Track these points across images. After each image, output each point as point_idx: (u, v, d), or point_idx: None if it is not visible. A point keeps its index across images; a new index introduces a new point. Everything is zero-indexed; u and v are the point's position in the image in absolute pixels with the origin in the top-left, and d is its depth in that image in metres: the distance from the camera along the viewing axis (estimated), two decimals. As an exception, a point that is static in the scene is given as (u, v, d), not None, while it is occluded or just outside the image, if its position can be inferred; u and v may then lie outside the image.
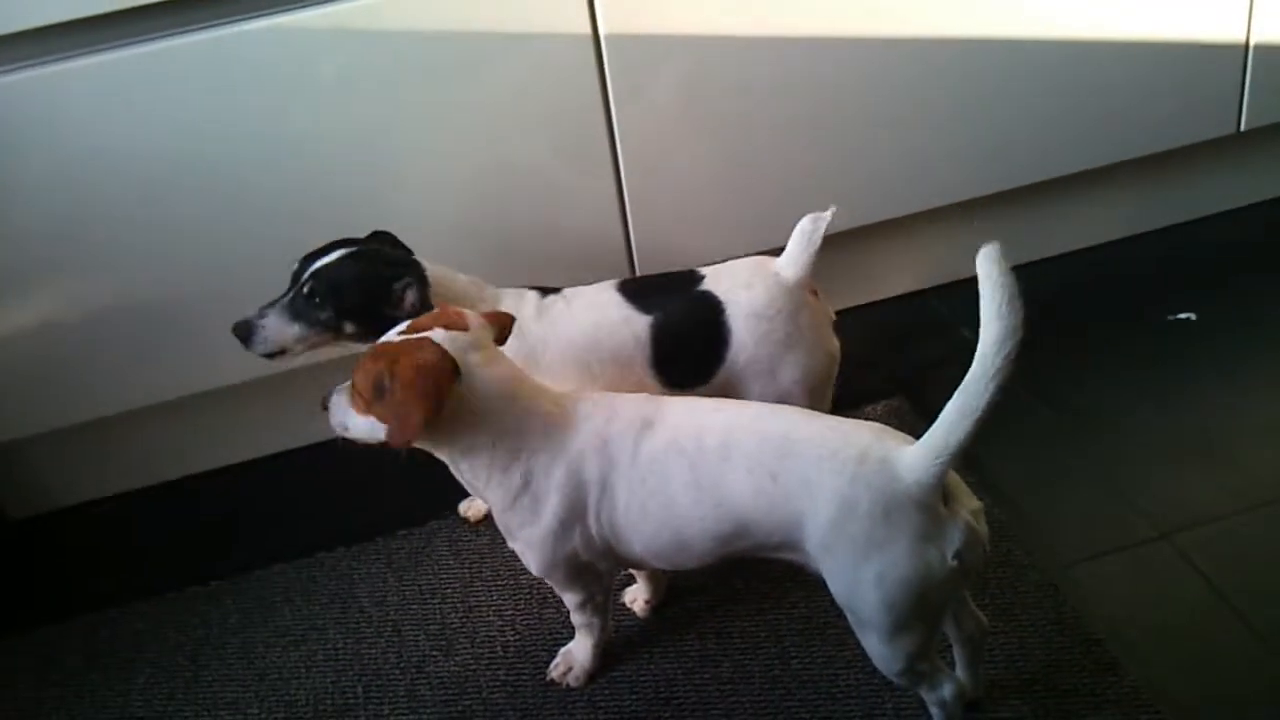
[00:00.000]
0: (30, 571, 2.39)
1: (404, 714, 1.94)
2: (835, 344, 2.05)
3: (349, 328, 1.95)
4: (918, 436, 2.34)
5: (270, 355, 1.96)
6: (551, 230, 2.43)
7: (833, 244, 2.58)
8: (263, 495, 2.46)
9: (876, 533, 1.54)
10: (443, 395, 1.60)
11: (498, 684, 1.97)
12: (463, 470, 1.73)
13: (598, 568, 1.80)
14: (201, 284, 2.28)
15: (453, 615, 2.11)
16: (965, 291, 2.87)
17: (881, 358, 2.61)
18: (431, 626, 2.09)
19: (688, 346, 1.98)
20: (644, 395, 1.77)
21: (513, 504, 1.73)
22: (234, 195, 2.24)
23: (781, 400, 1.98)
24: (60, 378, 2.31)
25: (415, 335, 1.65)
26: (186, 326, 2.30)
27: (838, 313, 2.73)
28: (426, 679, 2.00)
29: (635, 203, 2.43)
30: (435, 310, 1.73)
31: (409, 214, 2.30)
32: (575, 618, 1.91)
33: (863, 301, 2.77)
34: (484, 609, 2.11)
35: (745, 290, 1.97)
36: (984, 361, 1.50)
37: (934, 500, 1.55)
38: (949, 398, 2.40)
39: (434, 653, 2.04)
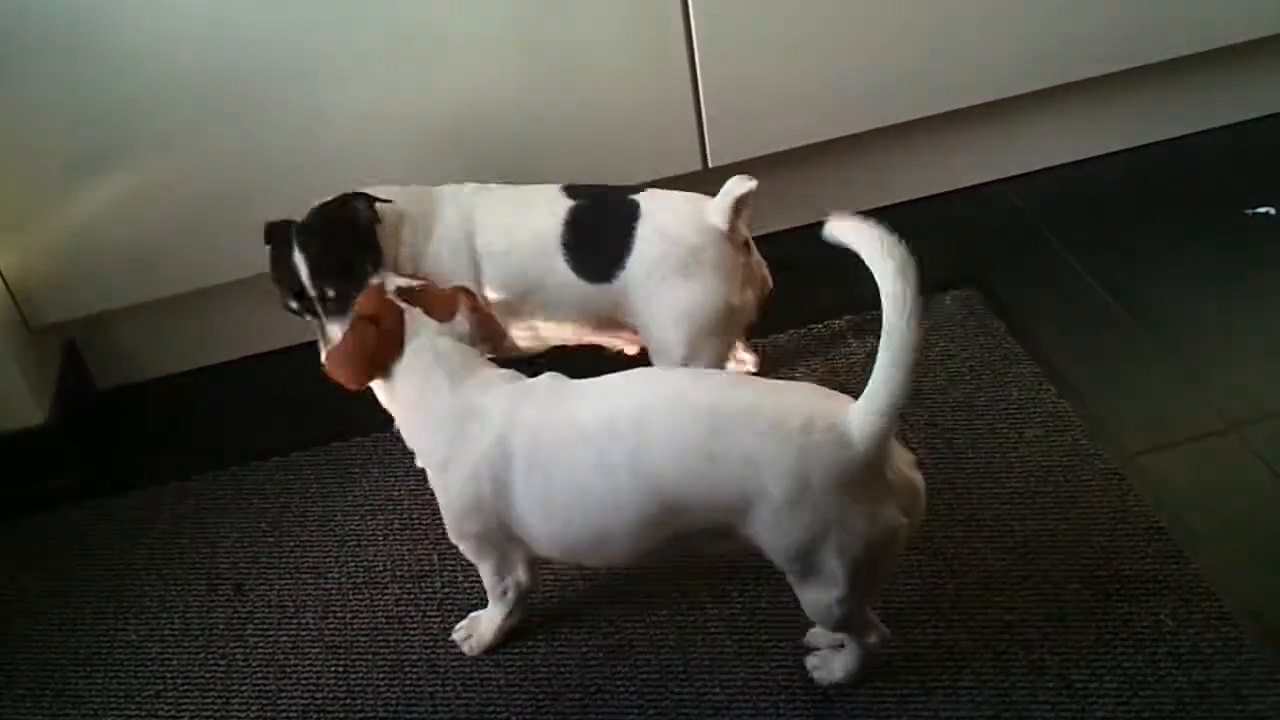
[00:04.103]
0: (118, 439, 2.47)
1: (478, 580, 2.01)
2: (740, 299, 2.00)
3: (369, 266, 1.96)
4: (987, 330, 2.35)
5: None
6: (618, 118, 2.42)
7: (910, 131, 2.57)
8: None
9: (834, 505, 1.49)
10: (374, 367, 1.72)
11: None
12: (393, 412, 1.78)
13: (511, 556, 1.79)
14: (284, 164, 2.31)
15: (524, 490, 2.17)
16: (1041, 183, 2.88)
17: (954, 249, 2.60)
18: (504, 500, 2.16)
19: (597, 238, 2.00)
20: (550, 382, 1.70)
21: (426, 466, 1.77)
22: (306, 76, 2.26)
23: (668, 336, 1.99)
24: (148, 253, 2.36)
25: (398, 300, 1.74)
26: (276, 203, 2.34)
27: (916, 202, 2.73)
28: (499, 549, 2.07)
29: (709, 87, 2.41)
30: (444, 291, 1.80)
31: (470, 98, 2.34)
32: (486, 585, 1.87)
33: (937, 191, 2.75)
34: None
35: (665, 211, 1.98)
36: (891, 327, 1.41)
37: (882, 460, 1.49)
38: (1020, 291, 2.42)
39: (506, 525, 2.11)
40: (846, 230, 1.39)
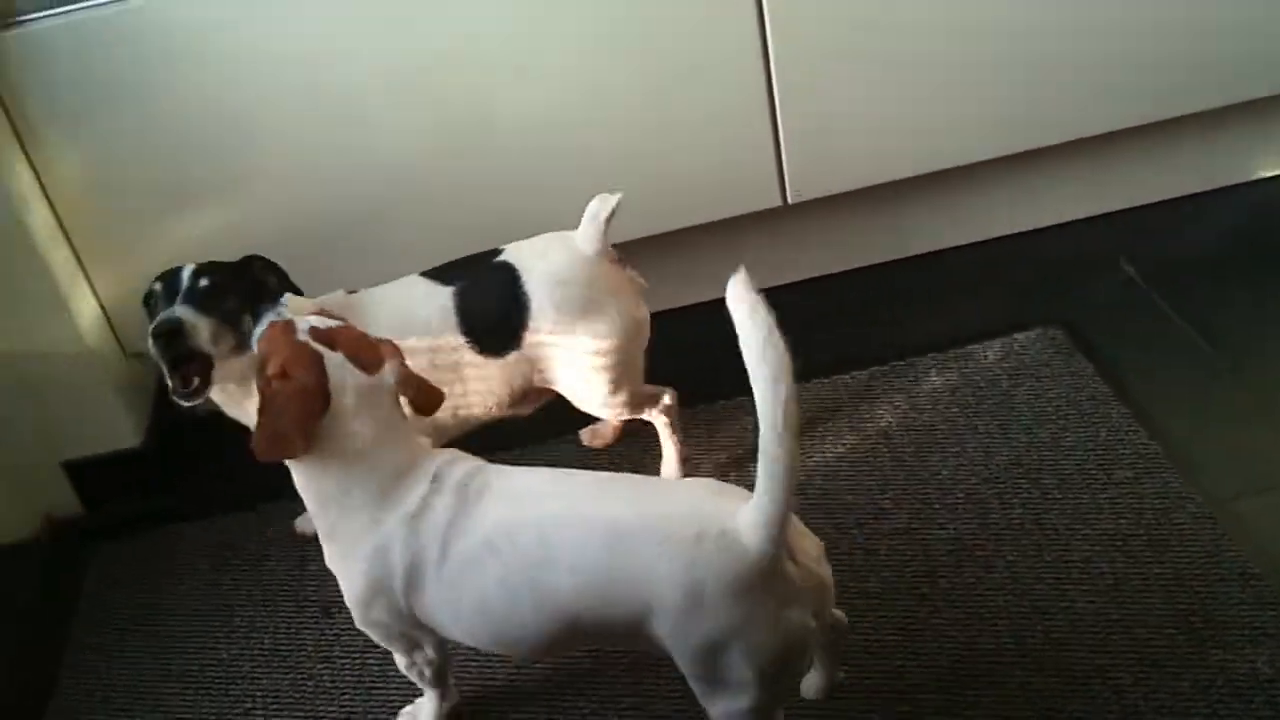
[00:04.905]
0: (209, 463, 2.51)
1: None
2: (642, 311, 2.05)
3: (248, 324, 1.96)
4: (1074, 370, 2.32)
5: (192, 378, 1.94)
6: (696, 155, 2.42)
7: (997, 167, 2.55)
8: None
9: (733, 613, 1.44)
10: (301, 432, 1.54)
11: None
12: (295, 479, 1.66)
13: (416, 638, 1.72)
14: (379, 201, 2.38)
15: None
16: (1132, 222, 2.83)
17: (1040, 287, 2.58)
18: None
19: (491, 313, 1.99)
20: (471, 470, 1.63)
21: (326, 543, 1.68)
22: (385, 114, 2.32)
23: (591, 373, 2.00)
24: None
25: (317, 345, 1.57)
26: (370, 237, 2.40)
27: (1002, 240, 2.72)
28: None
29: (788, 122, 2.41)
30: (369, 337, 1.63)
31: (559, 147, 2.37)
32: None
33: (1022, 229, 2.73)
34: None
35: (541, 259, 1.99)
36: (765, 415, 1.35)
37: (780, 563, 1.44)
38: (1108, 331, 2.39)
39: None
40: (740, 304, 1.33)
